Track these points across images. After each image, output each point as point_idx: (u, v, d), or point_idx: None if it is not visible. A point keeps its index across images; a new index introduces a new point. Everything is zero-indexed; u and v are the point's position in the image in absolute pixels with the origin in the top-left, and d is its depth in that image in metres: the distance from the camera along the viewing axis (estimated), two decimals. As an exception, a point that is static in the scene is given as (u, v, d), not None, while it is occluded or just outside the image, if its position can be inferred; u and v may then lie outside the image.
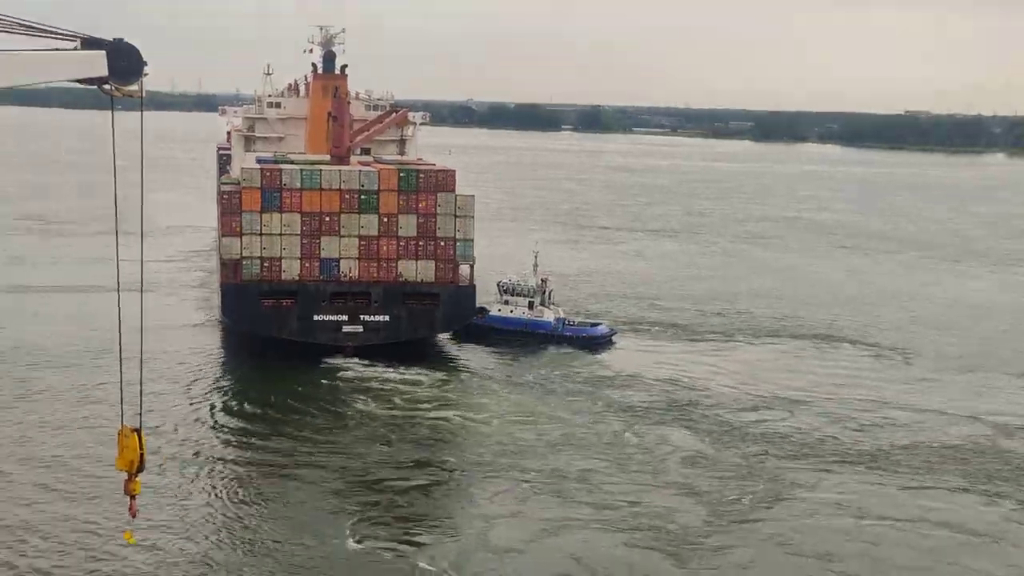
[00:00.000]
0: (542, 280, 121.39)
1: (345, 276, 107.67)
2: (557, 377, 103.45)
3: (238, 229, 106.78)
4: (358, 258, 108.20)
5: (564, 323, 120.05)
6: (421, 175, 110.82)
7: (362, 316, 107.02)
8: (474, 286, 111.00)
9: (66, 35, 25.90)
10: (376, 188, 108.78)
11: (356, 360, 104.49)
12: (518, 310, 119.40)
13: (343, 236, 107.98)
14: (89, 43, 26.27)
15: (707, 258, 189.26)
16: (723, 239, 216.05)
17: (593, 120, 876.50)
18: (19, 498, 68.14)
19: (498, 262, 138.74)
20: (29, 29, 24.88)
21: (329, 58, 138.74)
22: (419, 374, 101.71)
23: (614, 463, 78.78)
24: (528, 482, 74.09)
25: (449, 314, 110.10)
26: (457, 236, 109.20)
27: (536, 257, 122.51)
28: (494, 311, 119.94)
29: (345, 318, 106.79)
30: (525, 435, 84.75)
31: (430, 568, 60.10)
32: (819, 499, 72.87)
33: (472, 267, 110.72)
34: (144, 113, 30.21)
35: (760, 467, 79.14)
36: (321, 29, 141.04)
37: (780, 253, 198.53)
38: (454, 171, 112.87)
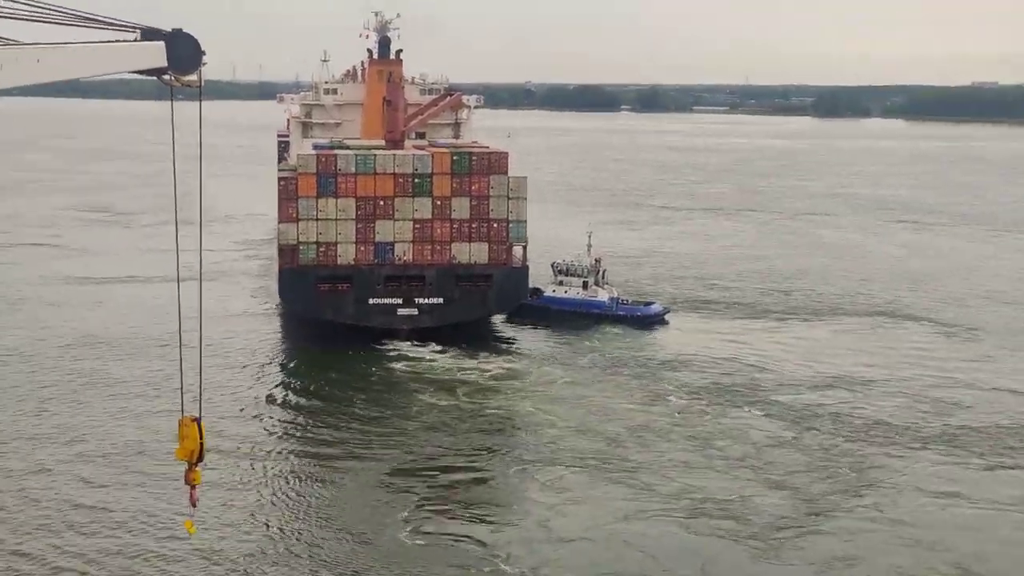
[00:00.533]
0: (596, 260, 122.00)
1: (399, 259, 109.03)
2: (613, 358, 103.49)
3: (295, 215, 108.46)
4: (412, 241, 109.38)
5: (618, 302, 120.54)
6: (474, 158, 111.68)
7: (416, 299, 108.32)
8: (527, 267, 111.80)
9: (126, 26, 25.85)
10: (429, 171, 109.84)
11: (410, 344, 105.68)
12: (572, 290, 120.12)
13: (397, 220, 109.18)
14: (148, 34, 26.28)
15: (758, 236, 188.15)
16: (774, 216, 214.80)
17: (652, 100, 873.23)
18: (82, 485, 69.24)
19: (550, 244, 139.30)
20: (88, 21, 24.86)
21: (384, 44, 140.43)
22: (475, 357, 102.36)
23: (680, 448, 77.65)
24: (591, 468, 72.90)
25: (502, 295, 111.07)
26: (510, 218, 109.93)
27: (590, 237, 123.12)
28: (548, 291, 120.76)
29: (400, 301, 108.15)
30: (585, 419, 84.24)
31: (491, 558, 59.09)
32: (904, 483, 70.83)
33: (525, 248, 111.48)
34: (204, 102, 29.88)
35: (836, 450, 77.03)
36: (376, 15, 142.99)
37: (831, 229, 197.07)
38: (507, 153, 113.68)
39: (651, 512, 65.60)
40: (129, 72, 26.97)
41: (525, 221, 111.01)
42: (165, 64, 26.43)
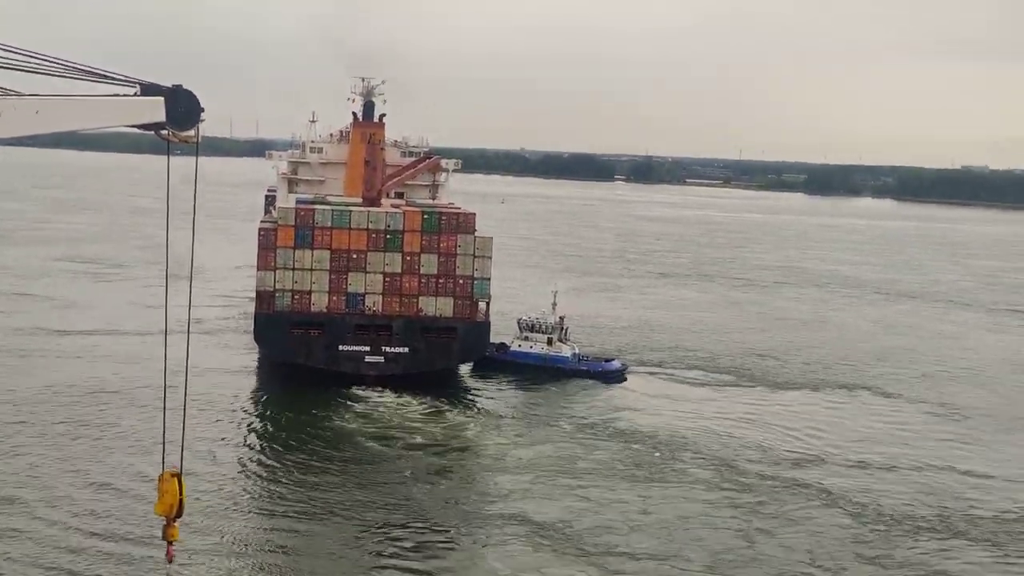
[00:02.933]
0: (560, 318, 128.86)
1: (369, 310, 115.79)
2: (576, 415, 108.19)
3: (272, 263, 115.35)
4: (382, 293, 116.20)
5: (580, 358, 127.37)
6: (443, 217, 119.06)
7: (384, 348, 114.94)
8: (489, 322, 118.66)
9: (126, 80, 26.05)
10: (401, 228, 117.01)
11: (377, 390, 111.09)
12: (537, 345, 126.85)
13: (369, 272, 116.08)
14: (148, 89, 26.44)
15: (709, 303, 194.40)
16: (722, 284, 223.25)
17: (646, 171, 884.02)
18: (58, 540, 69.11)
19: (509, 301, 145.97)
20: (89, 75, 25.09)
21: (368, 107, 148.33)
22: (442, 407, 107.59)
23: (630, 518, 78.27)
24: (547, 538, 73.76)
25: (465, 347, 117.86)
26: (475, 275, 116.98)
27: (555, 296, 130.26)
28: (514, 346, 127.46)
29: (368, 349, 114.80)
30: (544, 478, 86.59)
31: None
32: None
33: (488, 304, 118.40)
34: (200, 158, 30.00)
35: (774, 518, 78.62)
36: (363, 81, 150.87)
37: (772, 298, 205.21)
38: (474, 214, 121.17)
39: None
40: (127, 126, 27.04)
41: (489, 278, 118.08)
42: (163, 119, 26.62)
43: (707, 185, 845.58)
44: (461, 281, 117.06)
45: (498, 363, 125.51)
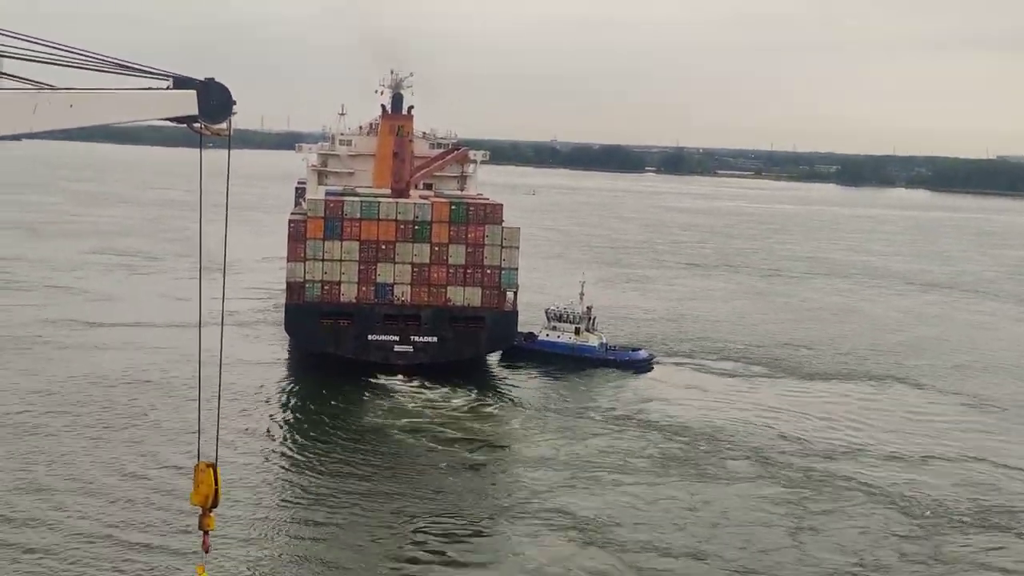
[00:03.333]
0: (587, 308, 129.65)
1: (398, 300, 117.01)
2: (605, 406, 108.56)
3: (302, 255, 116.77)
4: (410, 283, 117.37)
5: (607, 348, 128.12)
6: (471, 208, 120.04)
7: (412, 337, 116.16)
8: (517, 311, 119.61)
9: (159, 74, 26.18)
10: (429, 219, 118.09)
11: (408, 380, 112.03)
12: (565, 335, 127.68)
13: (397, 263, 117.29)
14: (181, 82, 26.51)
15: (732, 293, 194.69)
16: (747, 275, 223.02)
17: (677, 162, 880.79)
18: (95, 531, 69.81)
19: (537, 291, 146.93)
20: (123, 68, 25.17)
21: (397, 100, 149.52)
22: (474, 397, 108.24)
23: (668, 512, 78.00)
24: (577, 528, 73.78)
25: (493, 337, 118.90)
26: (502, 265, 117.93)
27: (582, 287, 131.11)
28: (542, 336, 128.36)
29: (397, 338, 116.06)
30: (577, 471, 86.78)
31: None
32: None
33: (516, 294, 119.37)
34: (232, 151, 30.28)
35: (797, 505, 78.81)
36: (392, 73, 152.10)
37: (801, 288, 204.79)
38: (501, 204, 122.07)
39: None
40: (160, 120, 27.13)
41: (517, 268, 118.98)
42: (196, 112, 26.66)
43: (738, 176, 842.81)
44: (489, 271, 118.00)
45: (526, 352, 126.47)
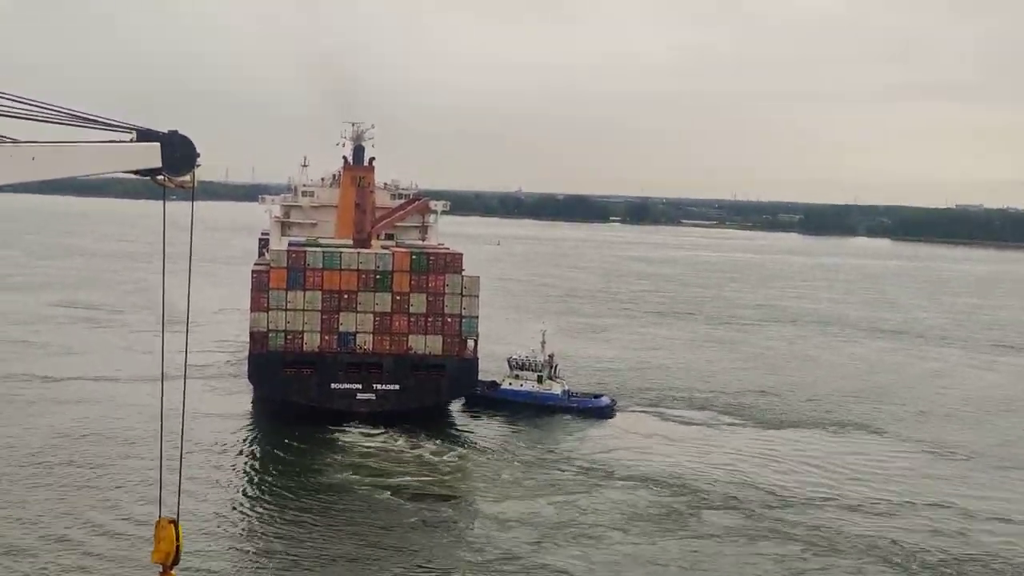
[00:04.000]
0: (549, 356, 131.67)
1: (360, 348, 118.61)
2: (569, 455, 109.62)
3: (266, 304, 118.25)
4: (372, 332, 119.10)
5: (570, 395, 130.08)
6: (431, 257, 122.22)
7: (375, 385, 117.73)
8: (477, 359, 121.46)
9: (121, 126, 26.07)
10: (390, 269, 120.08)
11: (371, 429, 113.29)
12: (528, 383, 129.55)
13: (359, 312, 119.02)
14: (144, 135, 26.43)
15: (687, 340, 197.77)
16: (700, 323, 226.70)
17: (641, 212, 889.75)
18: None
19: (496, 339, 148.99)
20: (85, 121, 25.13)
21: (358, 151, 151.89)
22: (439, 447, 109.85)
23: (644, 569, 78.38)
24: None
25: (454, 384, 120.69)
26: (463, 313, 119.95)
27: (543, 335, 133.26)
28: (505, 384, 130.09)
29: (359, 386, 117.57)
30: (534, 519, 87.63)
31: None
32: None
33: (476, 341, 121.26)
34: (196, 203, 30.08)
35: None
36: (353, 125, 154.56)
37: (754, 336, 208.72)
38: (461, 254, 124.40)
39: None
40: (124, 172, 26.77)
41: (477, 316, 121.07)
42: (160, 165, 26.51)
43: (702, 226, 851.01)
44: (449, 319, 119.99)
45: (489, 401, 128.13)
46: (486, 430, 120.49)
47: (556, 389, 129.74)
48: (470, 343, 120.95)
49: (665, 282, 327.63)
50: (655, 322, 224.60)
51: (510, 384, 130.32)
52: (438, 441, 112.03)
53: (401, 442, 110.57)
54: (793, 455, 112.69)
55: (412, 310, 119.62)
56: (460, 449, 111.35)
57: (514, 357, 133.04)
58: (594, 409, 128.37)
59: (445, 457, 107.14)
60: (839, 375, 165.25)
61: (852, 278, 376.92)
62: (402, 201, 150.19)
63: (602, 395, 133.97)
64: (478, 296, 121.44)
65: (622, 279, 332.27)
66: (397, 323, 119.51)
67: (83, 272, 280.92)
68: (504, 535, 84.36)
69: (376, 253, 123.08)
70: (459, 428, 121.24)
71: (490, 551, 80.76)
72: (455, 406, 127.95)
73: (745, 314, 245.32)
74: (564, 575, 76.30)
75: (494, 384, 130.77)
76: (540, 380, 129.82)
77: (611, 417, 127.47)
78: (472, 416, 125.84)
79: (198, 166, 27.18)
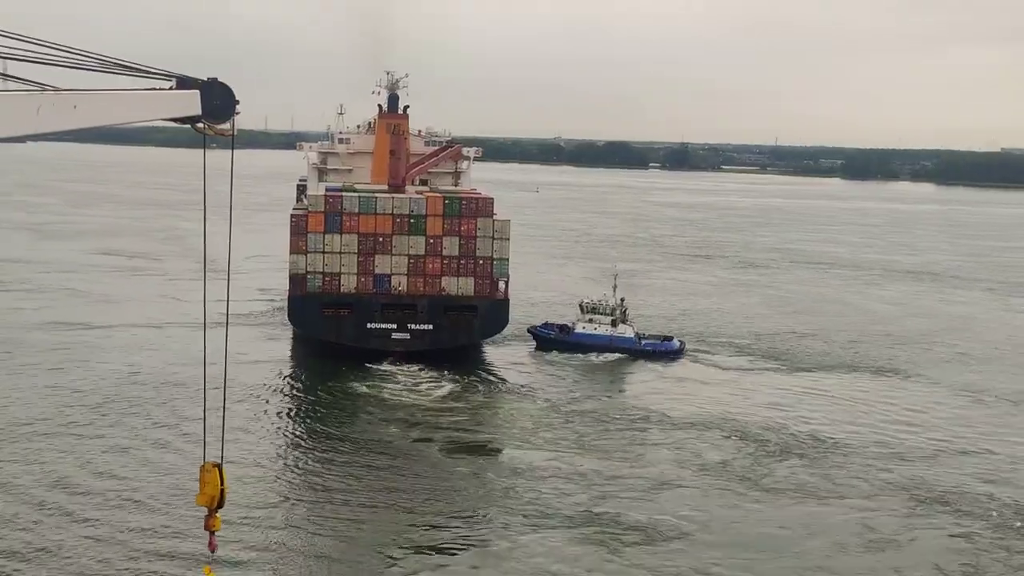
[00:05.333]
0: (620, 300, 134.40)
1: (395, 290, 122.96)
2: (644, 400, 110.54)
3: (304, 248, 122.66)
4: (407, 274, 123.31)
5: (641, 338, 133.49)
6: (464, 202, 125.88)
7: (409, 325, 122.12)
8: (508, 300, 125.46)
9: (161, 74, 26.25)
10: (424, 213, 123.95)
11: (413, 370, 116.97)
12: (602, 327, 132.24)
13: (394, 255, 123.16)
14: (184, 82, 26.63)
15: (707, 281, 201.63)
16: (722, 265, 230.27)
17: (681, 158, 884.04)
18: (101, 534, 69.36)
19: (531, 285, 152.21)
20: (125, 68, 25.23)
21: (393, 100, 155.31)
22: (509, 394, 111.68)
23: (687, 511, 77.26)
24: (575, 527, 73.41)
25: (485, 324, 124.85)
26: (494, 256, 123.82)
27: (615, 279, 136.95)
28: (579, 328, 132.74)
29: (395, 326, 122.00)
30: (585, 467, 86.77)
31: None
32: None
33: (507, 283, 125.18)
34: (236, 151, 30.28)
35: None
36: (388, 75, 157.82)
37: (771, 278, 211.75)
38: (492, 198, 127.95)
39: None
40: (164, 120, 27.10)
41: (508, 259, 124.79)
42: (199, 112, 26.82)
43: (744, 171, 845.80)
44: (481, 262, 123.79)
45: (564, 344, 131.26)
46: (563, 372, 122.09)
47: (629, 333, 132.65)
48: (501, 284, 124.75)
49: (690, 227, 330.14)
50: (684, 266, 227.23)
51: (584, 328, 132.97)
52: (509, 389, 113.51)
53: (451, 386, 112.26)
54: (869, 401, 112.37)
55: (445, 253, 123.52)
56: (522, 396, 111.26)
57: (586, 301, 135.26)
58: (668, 352, 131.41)
59: (513, 405, 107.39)
60: (870, 319, 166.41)
61: (880, 223, 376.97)
62: (435, 148, 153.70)
63: (672, 337, 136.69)
64: (509, 239, 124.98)
65: (658, 225, 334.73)
66: (431, 265, 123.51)
67: (122, 220, 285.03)
68: (553, 476, 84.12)
69: (410, 198, 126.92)
70: (530, 373, 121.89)
71: (541, 491, 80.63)
72: (526, 349, 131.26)
73: (771, 258, 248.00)
74: (620, 518, 75.28)
75: (566, 328, 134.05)
76: (614, 324, 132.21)
77: (681, 359, 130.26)
78: (548, 363, 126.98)
79: (237, 113, 27.50)
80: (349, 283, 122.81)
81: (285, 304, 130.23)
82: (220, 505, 31.13)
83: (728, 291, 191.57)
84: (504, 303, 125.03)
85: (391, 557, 67.85)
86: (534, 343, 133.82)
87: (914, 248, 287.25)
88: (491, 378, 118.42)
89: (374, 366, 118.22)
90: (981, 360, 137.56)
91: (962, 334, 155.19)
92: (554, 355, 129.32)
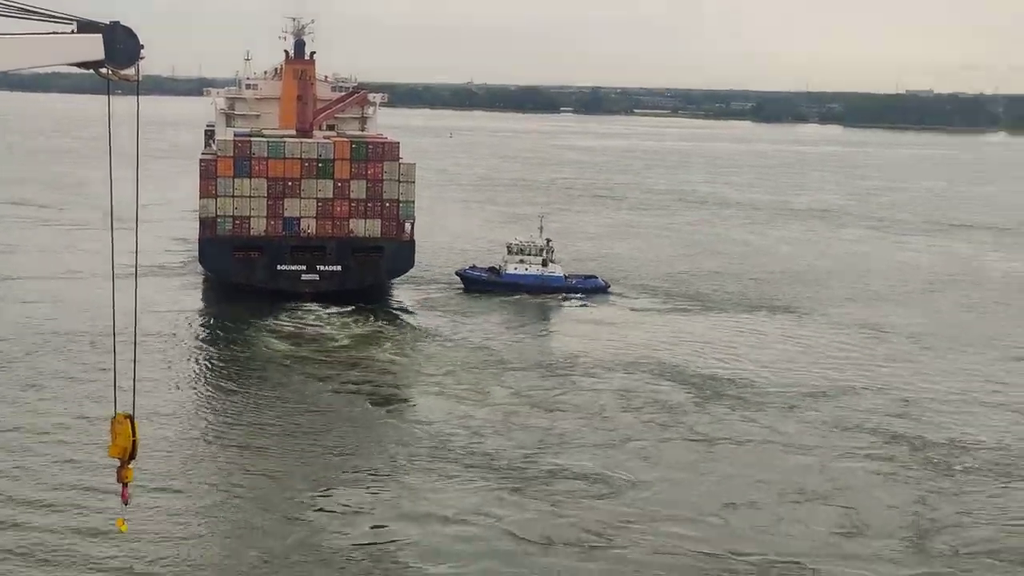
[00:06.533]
0: (547, 240, 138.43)
1: (304, 232, 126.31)
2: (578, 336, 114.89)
3: (214, 192, 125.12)
4: (315, 217, 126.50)
5: (568, 277, 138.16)
6: (370, 146, 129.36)
7: (318, 266, 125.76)
8: (414, 241, 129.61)
9: (63, 18, 25.19)
10: (332, 157, 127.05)
11: (316, 305, 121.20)
12: (532, 268, 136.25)
13: (303, 198, 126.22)
14: (85, 26, 25.56)
15: (612, 226, 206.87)
16: (629, 210, 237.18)
17: (593, 103, 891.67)
18: (8, 488, 67.65)
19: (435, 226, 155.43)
20: (25, 12, 24.39)
21: (299, 45, 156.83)
22: (438, 333, 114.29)
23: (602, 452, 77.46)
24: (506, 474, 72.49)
25: (392, 264, 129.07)
26: (400, 198, 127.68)
27: (542, 220, 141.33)
28: (509, 269, 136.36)
29: (304, 268, 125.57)
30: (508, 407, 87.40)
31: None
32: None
33: (413, 225, 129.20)
34: (143, 97, 29.67)
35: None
36: (294, 20, 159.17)
37: (670, 219, 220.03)
38: (398, 143, 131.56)
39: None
40: (66, 65, 25.95)
41: (413, 201, 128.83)
42: (102, 57, 25.86)
43: (655, 115, 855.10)
44: (388, 204, 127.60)
45: (492, 285, 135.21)
46: (492, 314, 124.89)
47: (559, 272, 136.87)
48: (407, 226, 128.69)
49: (591, 170, 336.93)
50: (582, 209, 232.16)
51: (515, 268, 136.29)
52: (436, 330, 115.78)
53: (372, 326, 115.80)
54: (762, 340, 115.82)
55: (352, 196, 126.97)
56: (475, 335, 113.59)
57: (514, 242, 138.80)
58: (595, 289, 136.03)
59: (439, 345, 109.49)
60: (772, 259, 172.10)
61: (776, 163, 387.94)
62: (342, 94, 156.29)
63: (595, 275, 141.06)
64: (414, 182, 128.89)
65: (551, 167, 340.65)
66: (339, 208, 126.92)
67: (23, 170, 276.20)
68: (470, 416, 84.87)
69: (318, 142, 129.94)
70: (467, 313, 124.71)
71: (456, 434, 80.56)
72: (455, 291, 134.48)
73: (669, 200, 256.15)
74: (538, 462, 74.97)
75: (494, 269, 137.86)
76: (544, 264, 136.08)
77: (608, 297, 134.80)
78: (477, 299, 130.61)
79: (142, 58, 26.79)
80: (259, 226, 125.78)
81: (196, 251, 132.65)
82: (133, 456, 30.97)
83: (632, 233, 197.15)
84: (410, 244, 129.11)
85: (304, 502, 67.36)
86: (461, 286, 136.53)
87: (804, 188, 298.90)
88: (412, 322, 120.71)
89: (287, 311, 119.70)
90: (879, 297, 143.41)
91: (856, 272, 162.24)
92: (483, 297, 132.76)
